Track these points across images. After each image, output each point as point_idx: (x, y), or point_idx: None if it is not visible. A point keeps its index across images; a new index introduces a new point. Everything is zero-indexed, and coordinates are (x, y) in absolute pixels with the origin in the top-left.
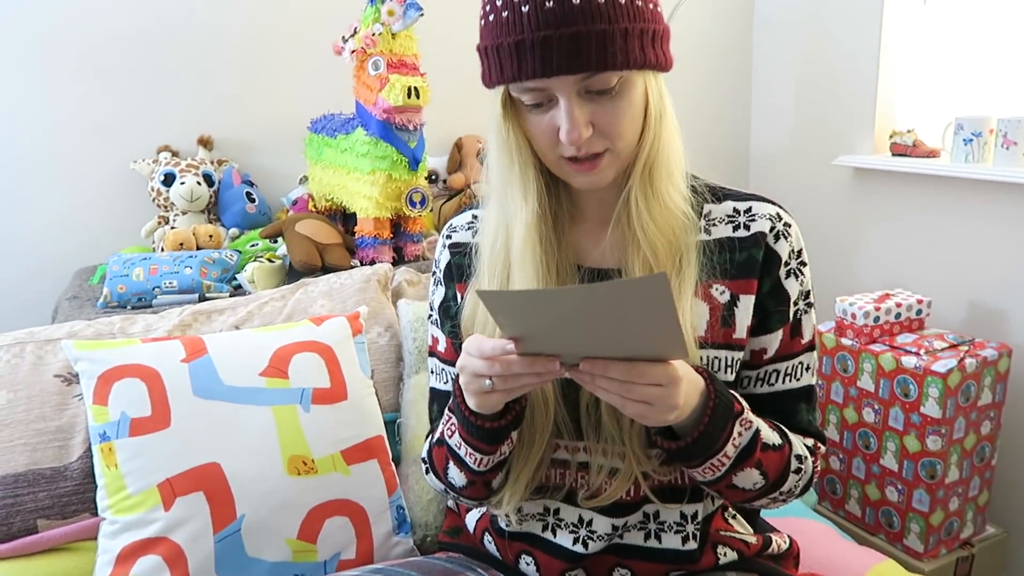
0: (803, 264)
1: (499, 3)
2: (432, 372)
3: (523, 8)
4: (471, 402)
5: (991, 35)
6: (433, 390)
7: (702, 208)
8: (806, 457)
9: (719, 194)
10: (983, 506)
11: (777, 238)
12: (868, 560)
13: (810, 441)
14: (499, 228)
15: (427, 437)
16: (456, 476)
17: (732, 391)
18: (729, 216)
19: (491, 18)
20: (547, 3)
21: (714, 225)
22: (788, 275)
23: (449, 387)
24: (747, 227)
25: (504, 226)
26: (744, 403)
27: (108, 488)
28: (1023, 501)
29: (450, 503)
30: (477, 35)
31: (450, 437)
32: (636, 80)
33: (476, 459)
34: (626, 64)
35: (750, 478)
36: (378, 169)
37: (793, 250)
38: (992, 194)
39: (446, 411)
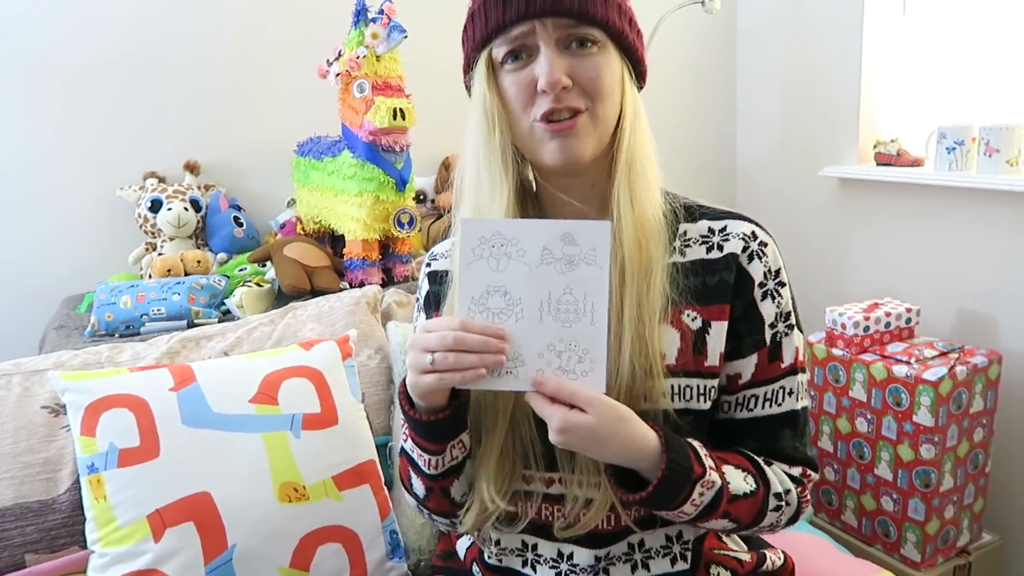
0: (781, 284)
1: None
2: None
3: None
4: (408, 380)
5: (971, 44)
6: None
7: (677, 228)
8: (788, 491)
9: (695, 213)
10: (979, 513)
11: (751, 258)
12: (865, 572)
13: (797, 470)
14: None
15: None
16: (417, 485)
17: (695, 444)
18: (703, 236)
19: None
20: None
21: (688, 246)
22: (764, 296)
23: None
24: (720, 247)
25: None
26: (707, 463)
27: (97, 520)
28: (1019, 507)
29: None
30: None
31: (404, 441)
32: (613, 54)
33: (426, 460)
34: (605, 21)
35: (719, 524)
36: (365, 191)
37: (769, 270)
38: (977, 201)
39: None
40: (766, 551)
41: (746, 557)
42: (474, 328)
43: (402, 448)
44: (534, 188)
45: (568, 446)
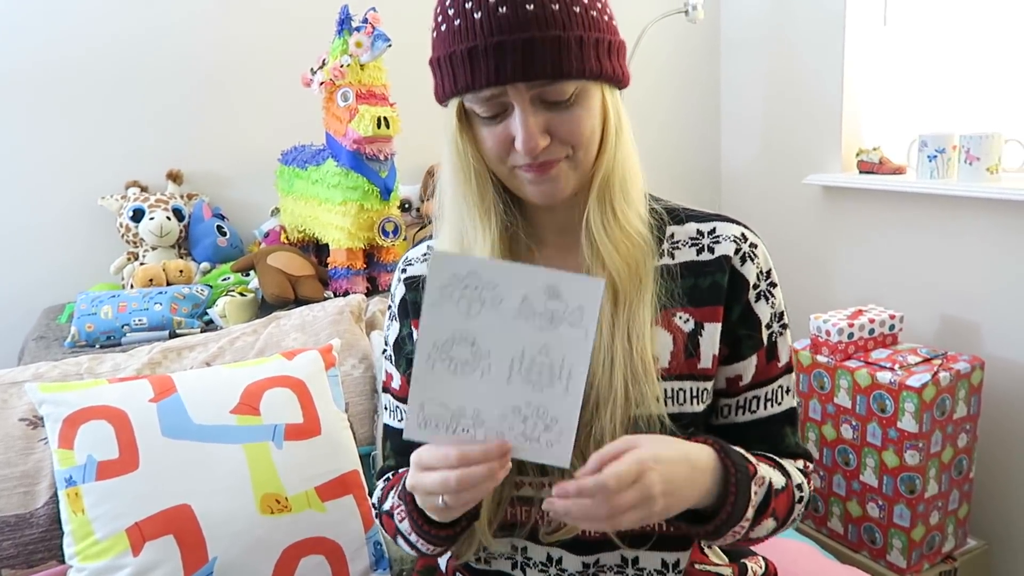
0: (773, 285)
1: (451, 12)
2: (386, 408)
3: (475, 15)
4: (430, 514)
5: (951, 53)
6: (387, 427)
7: (663, 230)
8: (801, 483)
9: (681, 216)
10: (963, 519)
11: (743, 260)
12: None
13: (800, 463)
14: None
15: (379, 476)
16: (406, 547)
17: (728, 446)
18: (693, 239)
19: (443, 28)
20: (500, 9)
21: (678, 248)
22: (759, 298)
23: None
24: (711, 250)
25: (460, 251)
26: (752, 459)
27: (75, 534)
28: (1003, 512)
29: None
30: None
31: (400, 522)
32: (593, 91)
33: (430, 548)
34: (581, 73)
35: (765, 528)
36: (349, 199)
37: (762, 271)
38: (958, 209)
39: (395, 497)
40: (747, 561)
41: (727, 571)
42: (475, 458)
43: (390, 514)
44: (518, 213)
45: (635, 524)
